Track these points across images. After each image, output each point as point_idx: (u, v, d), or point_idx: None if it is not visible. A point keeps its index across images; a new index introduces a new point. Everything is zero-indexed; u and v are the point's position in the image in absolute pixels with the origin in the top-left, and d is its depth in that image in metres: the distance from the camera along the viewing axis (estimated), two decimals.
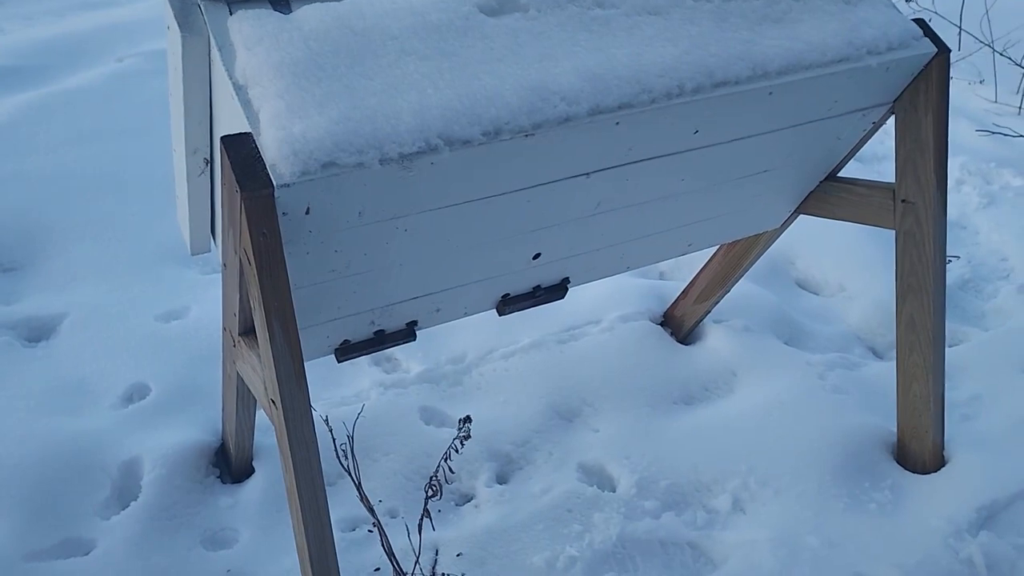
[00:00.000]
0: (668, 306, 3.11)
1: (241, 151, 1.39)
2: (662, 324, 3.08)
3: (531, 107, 1.58)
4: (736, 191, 2.21)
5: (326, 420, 2.07)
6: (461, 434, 1.78)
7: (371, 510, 1.92)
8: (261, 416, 2.53)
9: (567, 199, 1.86)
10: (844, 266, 3.38)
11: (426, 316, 2.06)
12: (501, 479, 2.46)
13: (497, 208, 1.76)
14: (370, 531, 2.24)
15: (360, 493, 1.95)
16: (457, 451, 1.81)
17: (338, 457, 1.99)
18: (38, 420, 2.38)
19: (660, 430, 2.60)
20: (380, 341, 2.03)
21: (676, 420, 2.65)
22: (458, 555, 2.15)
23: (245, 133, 1.41)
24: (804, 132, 2.08)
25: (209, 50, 1.58)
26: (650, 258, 2.36)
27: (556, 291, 2.22)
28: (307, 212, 1.49)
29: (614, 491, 2.40)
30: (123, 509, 2.20)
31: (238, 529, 2.22)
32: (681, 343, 3.02)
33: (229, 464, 2.41)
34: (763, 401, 2.67)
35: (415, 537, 2.17)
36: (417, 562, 1.99)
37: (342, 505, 2.30)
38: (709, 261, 2.86)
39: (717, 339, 2.97)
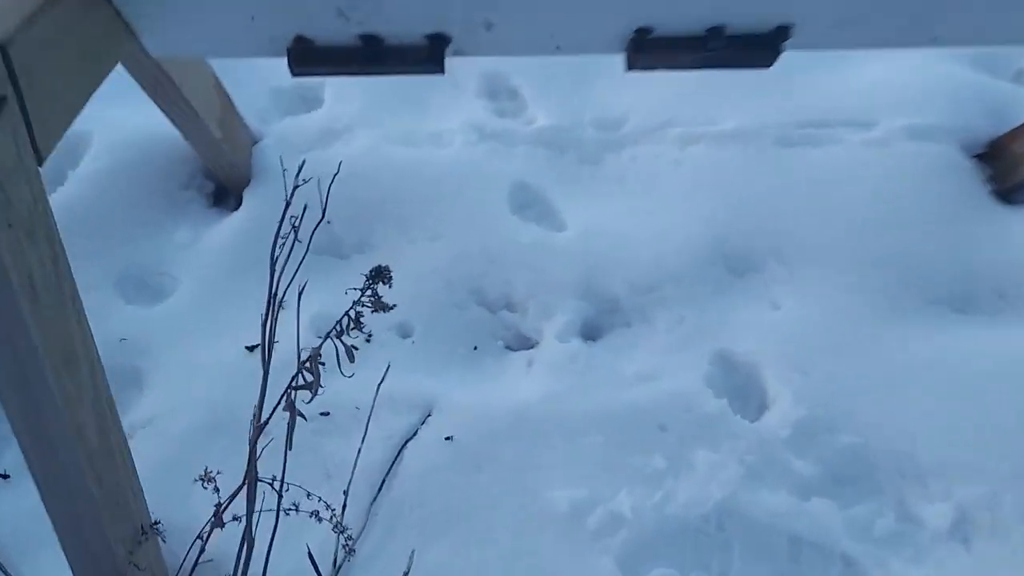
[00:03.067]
0: (1003, 133, 1.82)
1: None
2: (979, 158, 1.82)
3: None
4: None
5: (299, 169, 1.24)
6: (365, 300, 0.87)
7: (266, 333, 1.09)
8: (278, 129, 1.74)
9: None
10: None
11: (468, 32, 1.06)
12: (588, 333, 1.54)
13: None
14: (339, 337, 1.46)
15: (269, 294, 1.11)
16: (358, 325, 0.91)
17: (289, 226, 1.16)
18: None
19: (883, 345, 1.50)
20: (374, 57, 1.09)
21: (919, 334, 1.53)
22: (447, 438, 1.33)
23: None
24: None
25: None
26: (973, 34, 1.12)
27: (754, 50, 1.10)
28: None
29: (753, 420, 1.41)
30: None
31: (178, 279, 1.52)
32: (999, 197, 1.77)
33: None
34: None
35: (399, 381, 1.38)
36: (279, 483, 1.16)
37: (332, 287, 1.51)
38: None
39: None
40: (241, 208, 1.60)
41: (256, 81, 1.74)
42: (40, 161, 0.80)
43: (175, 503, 1.17)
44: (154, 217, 1.56)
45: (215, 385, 1.33)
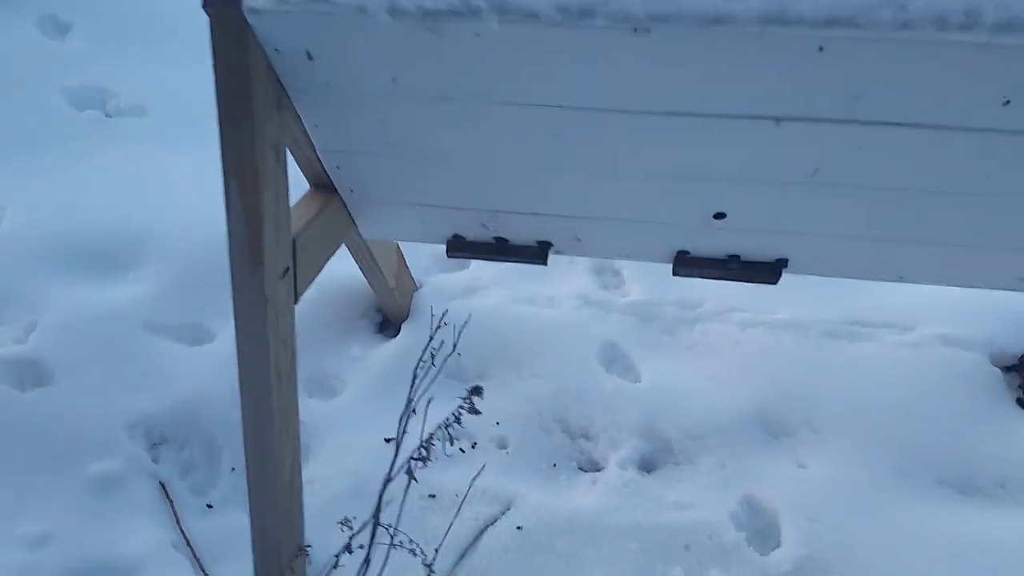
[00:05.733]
0: None
1: None
2: (1008, 370, 2.14)
3: None
4: None
5: (442, 316, 1.77)
6: (465, 406, 1.36)
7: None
8: (433, 281, 2.30)
9: (749, 150, 1.21)
10: None
11: (564, 242, 1.58)
12: (644, 465, 1.96)
13: (619, 129, 1.19)
14: (459, 447, 1.95)
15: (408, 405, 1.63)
16: (458, 422, 1.39)
17: (428, 354, 1.68)
18: None
19: (889, 509, 1.83)
20: (502, 251, 1.63)
21: (924, 506, 1.84)
22: (518, 528, 1.77)
23: None
24: None
25: None
26: (934, 275, 1.54)
27: (764, 272, 1.56)
28: (309, 58, 1.12)
29: (763, 555, 1.76)
30: None
31: (346, 384, 2.08)
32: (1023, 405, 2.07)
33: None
34: None
35: (492, 480, 1.84)
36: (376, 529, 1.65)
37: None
38: None
39: None
40: (398, 337, 2.16)
41: (424, 248, 2.34)
42: (296, 300, 1.36)
43: (318, 541, 1.66)
44: (337, 336, 2.15)
45: (361, 462, 1.84)
